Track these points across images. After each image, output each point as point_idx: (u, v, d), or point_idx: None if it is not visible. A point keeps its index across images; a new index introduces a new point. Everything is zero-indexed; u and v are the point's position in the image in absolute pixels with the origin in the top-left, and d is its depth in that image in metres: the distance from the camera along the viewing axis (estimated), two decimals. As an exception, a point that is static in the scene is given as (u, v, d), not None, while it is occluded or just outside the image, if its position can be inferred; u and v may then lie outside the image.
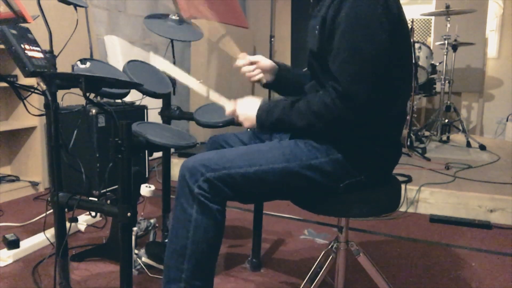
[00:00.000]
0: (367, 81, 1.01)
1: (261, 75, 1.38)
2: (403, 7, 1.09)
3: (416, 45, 3.67)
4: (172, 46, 1.80)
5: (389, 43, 1.01)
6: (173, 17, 1.79)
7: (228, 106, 1.21)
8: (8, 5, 1.31)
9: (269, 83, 1.41)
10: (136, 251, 1.69)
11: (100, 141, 2.42)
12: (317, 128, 1.07)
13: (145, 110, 2.87)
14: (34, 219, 2.22)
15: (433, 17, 4.92)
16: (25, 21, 1.33)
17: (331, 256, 1.30)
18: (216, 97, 1.24)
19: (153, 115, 2.55)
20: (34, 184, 2.71)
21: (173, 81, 1.72)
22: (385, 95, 1.06)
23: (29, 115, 1.55)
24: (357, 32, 1.01)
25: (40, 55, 1.27)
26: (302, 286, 1.40)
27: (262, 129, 1.18)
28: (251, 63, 1.37)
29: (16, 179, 2.74)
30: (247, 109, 1.18)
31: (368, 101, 1.02)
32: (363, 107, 1.02)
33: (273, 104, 1.13)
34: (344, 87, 1.01)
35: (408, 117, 3.42)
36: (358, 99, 1.01)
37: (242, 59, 1.37)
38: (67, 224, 1.33)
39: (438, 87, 4.03)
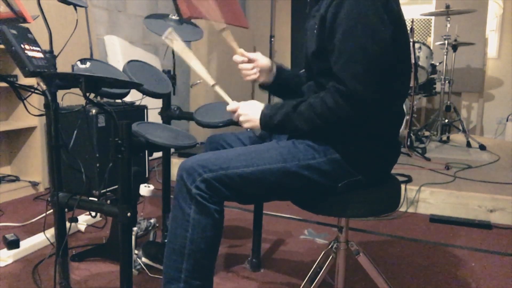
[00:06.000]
0: (373, 79, 1.01)
1: (257, 75, 1.35)
2: (403, 7, 1.10)
3: (416, 45, 3.67)
4: (172, 46, 1.80)
5: (391, 40, 1.01)
6: (173, 17, 1.79)
7: (231, 103, 1.22)
8: (8, 5, 1.31)
9: (265, 85, 1.39)
10: (136, 251, 1.69)
11: (100, 141, 2.42)
12: (320, 130, 1.08)
13: (145, 110, 2.87)
14: (34, 219, 2.22)
15: (433, 17, 4.92)
16: (25, 21, 1.33)
17: (331, 256, 1.30)
18: (221, 92, 1.26)
19: (153, 115, 2.55)
20: (34, 184, 2.71)
21: (173, 81, 1.72)
22: (385, 94, 1.06)
23: (29, 115, 1.55)
24: (360, 31, 1.00)
25: (40, 55, 1.26)
26: (302, 286, 1.41)
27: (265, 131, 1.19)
28: (250, 61, 1.34)
29: (16, 179, 2.74)
30: (250, 111, 1.17)
31: (375, 100, 1.02)
32: (369, 106, 1.03)
33: (276, 109, 1.13)
34: (349, 87, 1.01)
35: (408, 117, 3.42)
36: (364, 99, 1.01)
37: (241, 55, 1.34)
38: (67, 224, 1.33)
39: (438, 87, 4.03)
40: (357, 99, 1.01)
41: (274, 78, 1.37)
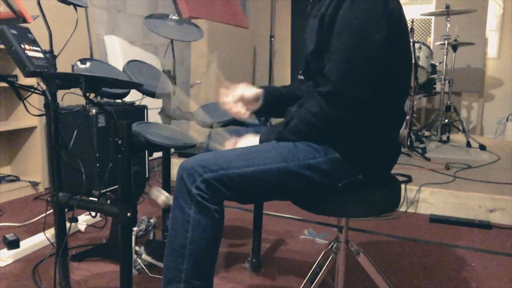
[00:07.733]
0: (358, 81, 1.02)
1: (248, 112, 1.32)
2: (403, 7, 1.10)
3: (416, 45, 3.67)
4: (172, 46, 1.81)
5: (385, 43, 1.01)
6: (173, 17, 1.79)
7: (228, 143, 1.23)
8: (8, 5, 1.31)
9: (258, 111, 1.36)
10: (137, 247, 1.69)
11: (100, 141, 2.41)
12: (316, 137, 1.10)
13: (145, 110, 2.87)
14: (34, 219, 2.22)
15: (433, 17, 4.92)
16: (25, 21, 1.33)
17: (331, 256, 1.30)
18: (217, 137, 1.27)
19: (153, 115, 2.55)
20: (34, 184, 2.71)
21: (173, 81, 1.72)
22: (382, 94, 1.06)
23: (29, 115, 1.55)
24: (351, 32, 1.01)
25: (40, 55, 1.26)
26: (302, 286, 1.40)
27: None
28: (238, 100, 1.31)
29: (16, 179, 2.74)
30: (247, 144, 1.19)
31: (361, 101, 1.02)
32: (354, 107, 1.03)
33: (270, 133, 1.17)
34: (333, 86, 1.02)
35: (408, 117, 3.42)
36: (348, 99, 1.02)
37: (228, 96, 1.30)
38: (67, 224, 1.33)
39: (438, 87, 4.03)
40: (341, 100, 1.02)
41: (263, 101, 1.34)
